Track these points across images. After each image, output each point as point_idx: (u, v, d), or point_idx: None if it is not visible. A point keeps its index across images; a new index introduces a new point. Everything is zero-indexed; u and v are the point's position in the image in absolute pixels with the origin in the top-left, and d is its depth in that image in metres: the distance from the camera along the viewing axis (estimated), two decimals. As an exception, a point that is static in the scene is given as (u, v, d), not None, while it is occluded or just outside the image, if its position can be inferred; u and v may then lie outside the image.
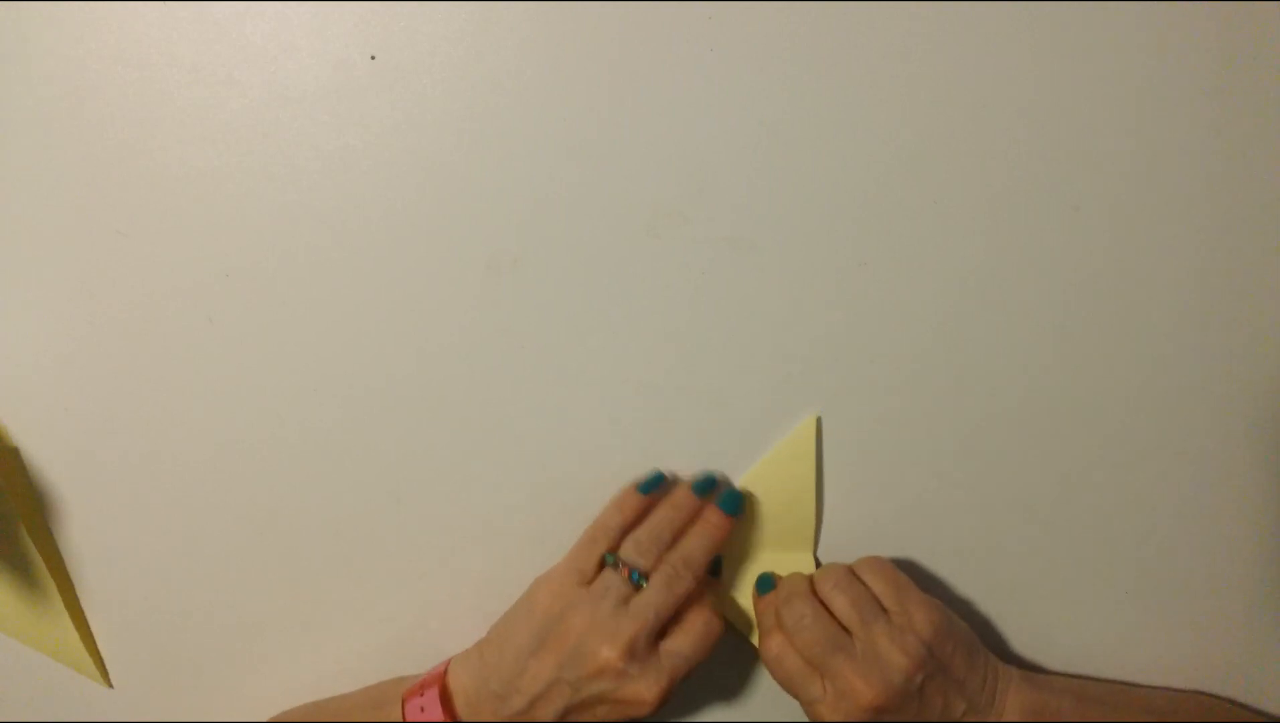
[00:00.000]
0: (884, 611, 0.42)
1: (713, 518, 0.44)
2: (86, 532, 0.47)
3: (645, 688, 0.40)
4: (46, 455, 0.47)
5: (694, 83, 0.42)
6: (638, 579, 0.42)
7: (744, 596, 0.46)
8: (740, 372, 0.45)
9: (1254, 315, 0.43)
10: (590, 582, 0.42)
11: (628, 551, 0.43)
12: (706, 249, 0.44)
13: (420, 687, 0.42)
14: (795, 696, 0.43)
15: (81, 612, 0.48)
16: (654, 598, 0.41)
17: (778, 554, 0.46)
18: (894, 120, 0.42)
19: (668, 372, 0.45)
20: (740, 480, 0.46)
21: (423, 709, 0.41)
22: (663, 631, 0.41)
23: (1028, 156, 0.42)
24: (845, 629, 0.42)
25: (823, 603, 0.43)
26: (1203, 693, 0.48)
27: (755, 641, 0.46)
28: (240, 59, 0.42)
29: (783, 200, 0.43)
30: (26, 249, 0.44)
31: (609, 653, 0.39)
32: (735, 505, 0.44)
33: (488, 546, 0.47)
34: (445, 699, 0.41)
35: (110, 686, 0.49)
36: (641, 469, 0.46)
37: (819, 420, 0.45)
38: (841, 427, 0.46)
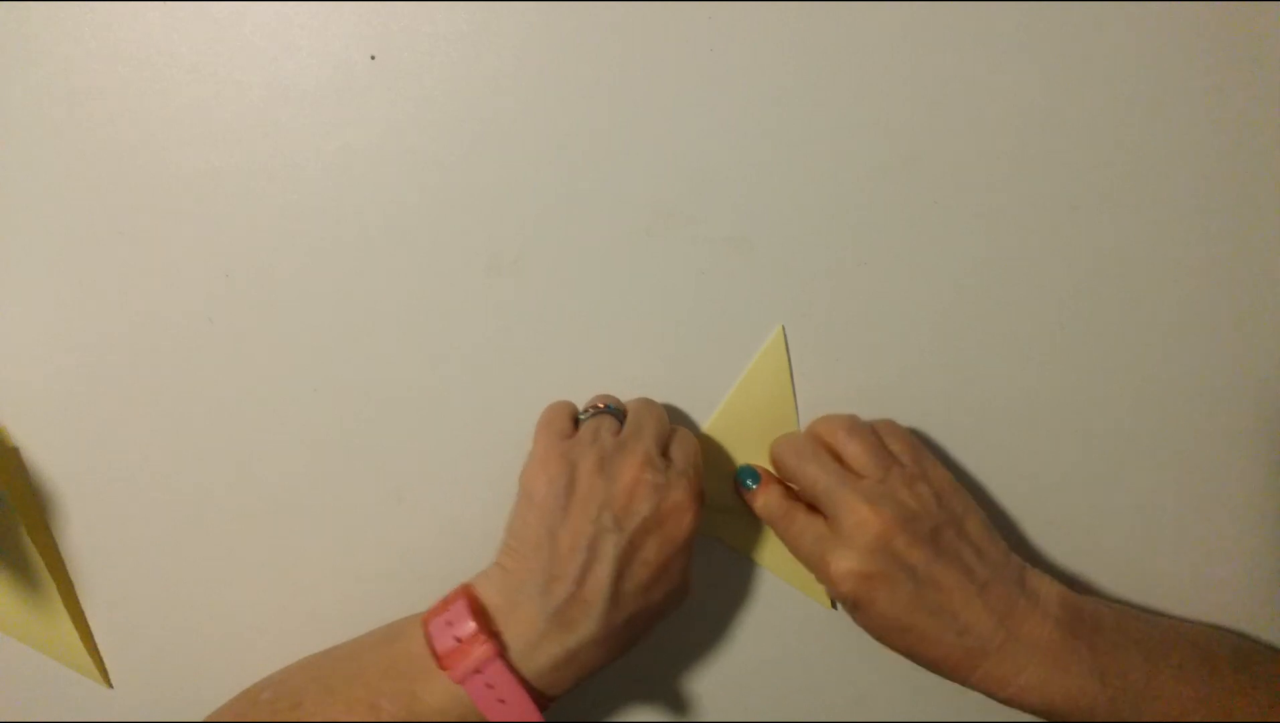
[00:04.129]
0: (897, 462, 0.41)
1: None
2: (86, 532, 0.47)
3: (680, 493, 0.38)
4: (46, 455, 0.47)
5: (694, 83, 0.42)
6: (614, 410, 0.42)
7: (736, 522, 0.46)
8: (741, 372, 0.45)
9: (1254, 315, 0.43)
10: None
11: (593, 404, 0.43)
12: (706, 249, 0.44)
13: (443, 605, 0.38)
14: (797, 540, 0.41)
15: (81, 612, 0.48)
16: (641, 418, 0.41)
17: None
18: (894, 120, 0.42)
19: (668, 372, 0.45)
20: (720, 406, 0.45)
21: (450, 624, 0.37)
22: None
23: (1027, 156, 0.42)
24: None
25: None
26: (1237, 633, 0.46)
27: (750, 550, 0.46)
28: (240, 59, 0.42)
29: (783, 200, 0.43)
30: (26, 249, 0.44)
31: (633, 471, 0.38)
32: None
33: (488, 545, 0.46)
34: (475, 615, 0.37)
35: (110, 686, 0.49)
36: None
37: (783, 329, 0.45)
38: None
